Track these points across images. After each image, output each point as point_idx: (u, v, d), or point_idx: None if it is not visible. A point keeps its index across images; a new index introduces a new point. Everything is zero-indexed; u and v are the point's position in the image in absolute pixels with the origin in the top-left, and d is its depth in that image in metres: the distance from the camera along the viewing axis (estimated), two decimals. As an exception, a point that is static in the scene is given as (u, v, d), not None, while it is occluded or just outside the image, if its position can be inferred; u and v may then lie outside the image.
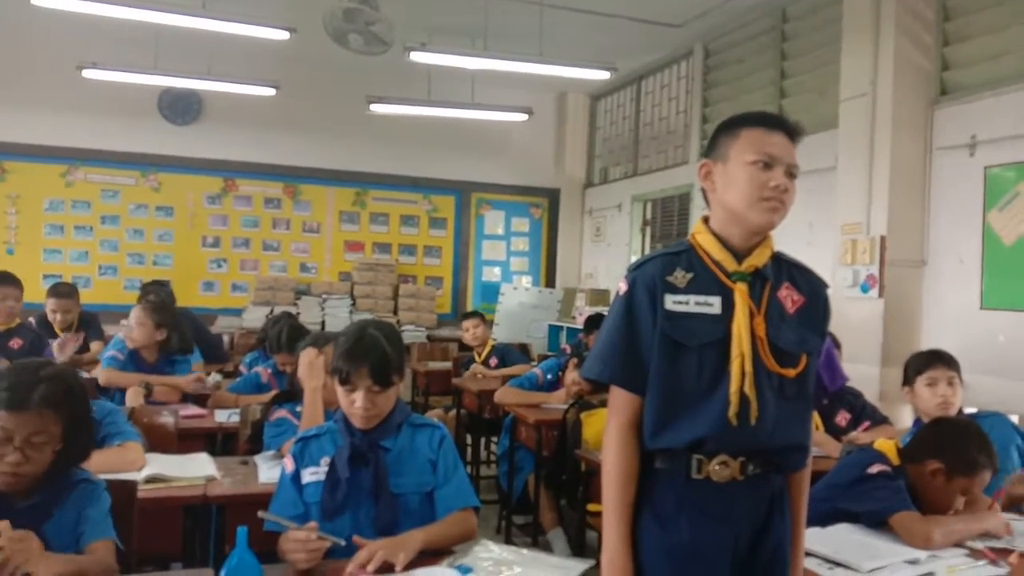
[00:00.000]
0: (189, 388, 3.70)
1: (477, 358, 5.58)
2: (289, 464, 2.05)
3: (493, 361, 5.54)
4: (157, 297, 4.74)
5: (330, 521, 1.93)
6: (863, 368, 4.48)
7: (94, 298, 7.56)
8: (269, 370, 3.88)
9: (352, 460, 1.99)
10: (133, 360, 3.73)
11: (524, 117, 7.09)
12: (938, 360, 2.93)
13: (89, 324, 5.06)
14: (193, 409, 3.53)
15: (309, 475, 2.01)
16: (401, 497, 1.99)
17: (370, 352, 2.01)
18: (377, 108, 6.99)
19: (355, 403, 2.00)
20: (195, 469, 2.49)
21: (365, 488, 1.97)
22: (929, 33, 4.61)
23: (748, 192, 1.54)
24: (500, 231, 9.02)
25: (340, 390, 2.04)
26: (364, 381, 1.99)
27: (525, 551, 1.98)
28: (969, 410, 3.37)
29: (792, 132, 1.59)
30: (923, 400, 2.89)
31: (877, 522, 2.18)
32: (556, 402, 4.08)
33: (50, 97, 7.31)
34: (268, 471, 2.49)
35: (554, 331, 7.90)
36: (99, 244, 7.68)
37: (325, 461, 2.01)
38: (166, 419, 3.15)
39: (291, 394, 2.76)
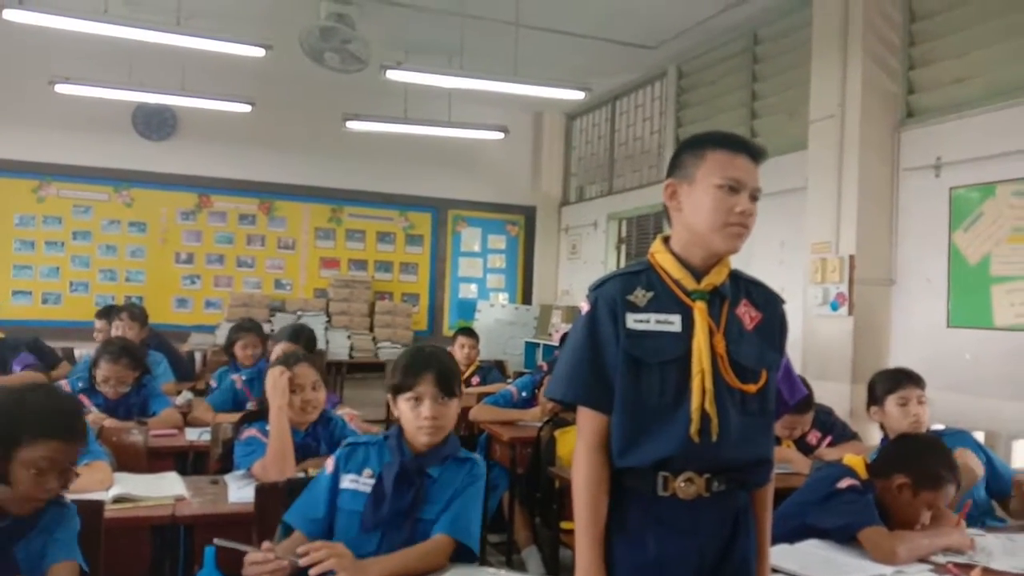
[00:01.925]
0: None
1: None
2: (330, 465, 2.04)
3: (475, 380, 5.53)
4: (124, 327, 4.65)
5: (364, 534, 1.92)
6: (833, 385, 4.54)
7: (64, 315, 7.48)
8: (242, 377, 3.86)
9: (398, 479, 1.97)
10: (88, 395, 3.47)
11: (500, 135, 7.13)
12: (907, 379, 2.93)
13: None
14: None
15: (348, 481, 2.00)
16: (425, 523, 1.97)
17: (433, 361, 2.04)
18: (353, 125, 7.00)
19: (423, 414, 1.98)
20: (164, 488, 2.46)
21: (402, 510, 1.95)
22: (895, 57, 4.71)
23: (714, 217, 1.57)
24: (477, 248, 9.05)
25: (404, 406, 2.02)
26: (430, 389, 1.99)
27: (498, 570, 1.98)
28: (936, 427, 3.42)
29: (756, 154, 1.62)
30: (894, 419, 2.88)
31: (847, 537, 2.21)
32: (530, 419, 4.08)
33: (22, 111, 7.24)
34: (238, 490, 2.47)
35: (530, 348, 7.93)
36: (70, 260, 7.58)
37: (367, 473, 2.00)
38: (136, 437, 3.11)
39: (261, 413, 2.74)
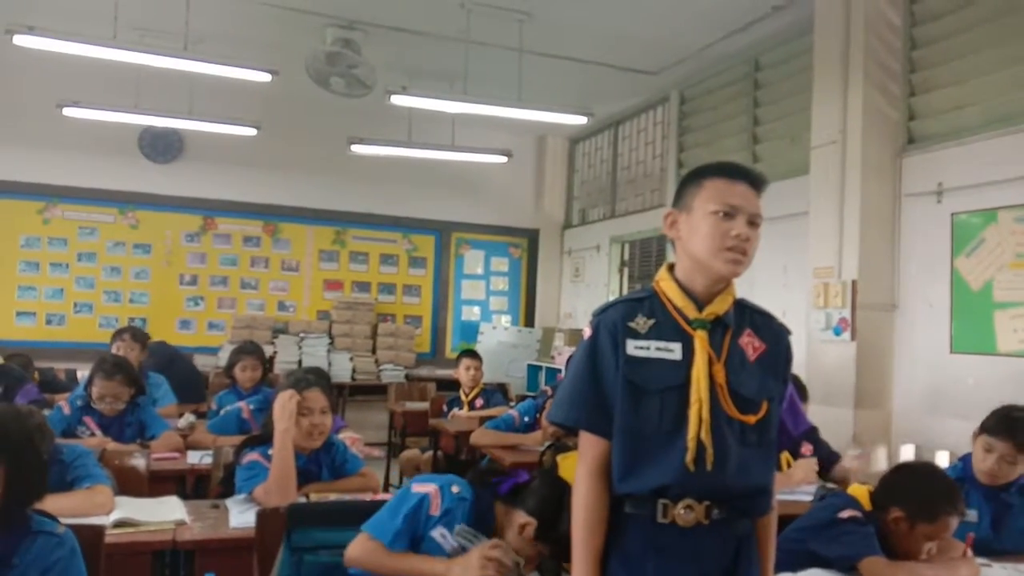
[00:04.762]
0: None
1: (464, 398, 5.56)
2: (436, 504, 2.03)
3: (479, 403, 5.52)
4: (126, 347, 4.68)
5: None
6: (836, 411, 4.53)
7: (68, 336, 7.50)
8: (251, 407, 3.85)
9: None
10: (85, 412, 3.51)
11: (504, 159, 7.17)
12: (1004, 433, 2.65)
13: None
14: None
15: (439, 535, 2.01)
16: None
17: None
18: (358, 149, 7.05)
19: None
20: (165, 513, 2.45)
21: None
22: (896, 84, 4.74)
23: (711, 241, 1.58)
24: (480, 270, 9.07)
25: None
26: None
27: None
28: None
29: (756, 182, 1.63)
30: (976, 458, 2.72)
31: (847, 567, 2.19)
32: (532, 443, 4.07)
33: (29, 134, 7.30)
34: (239, 515, 2.46)
35: (533, 371, 7.91)
36: (75, 281, 7.61)
37: (456, 531, 2.02)
38: (137, 461, 3.10)
39: (263, 437, 2.74)
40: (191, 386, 5.25)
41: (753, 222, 1.59)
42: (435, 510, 2.02)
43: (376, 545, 1.99)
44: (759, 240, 1.61)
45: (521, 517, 2.01)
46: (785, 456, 3.32)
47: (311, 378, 2.79)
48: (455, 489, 2.07)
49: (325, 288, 8.39)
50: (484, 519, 2.04)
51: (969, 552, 2.28)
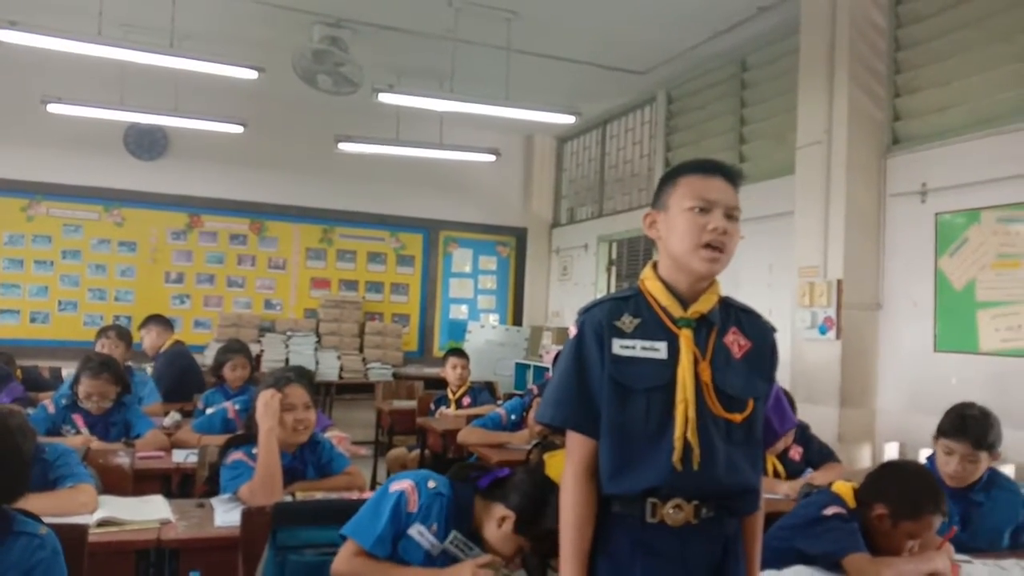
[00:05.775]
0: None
1: (451, 396, 5.56)
2: (412, 502, 2.01)
3: (466, 401, 5.52)
4: (110, 345, 4.66)
5: None
6: (822, 409, 4.55)
7: (53, 334, 7.44)
8: (236, 407, 3.83)
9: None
10: (71, 410, 3.49)
11: (492, 158, 7.17)
12: (961, 433, 2.64)
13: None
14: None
15: (416, 532, 2.00)
16: None
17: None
18: (345, 147, 7.02)
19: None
20: (149, 512, 2.44)
21: None
22: (881, 85, 4.77)
23: (688, 238, 1.57)
24: (468, 269, 9.06)
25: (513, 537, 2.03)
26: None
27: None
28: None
29: (731, 176, 1.62)
30: (939, 462, 2.70)
31: (831, 564, 2.21)
32: (519, 442, 4.08)
33: (13, 130, 7.23)
34: (224, 514, 2.46)
35: (521, 369, 7.91)
36: (59, 279, 7.55)
37: (433, 529, 2.00)
38: (122, 459, 3.09)
39: (247, 436, 2.73)
40: (193, 385, 5.19)
41: (731, 215, 1.58)
42: (412, 507, 2.01)
43: (364, 561, 1.98)
44: (738, 234, 1.60)
45: (500, 511, 2.01)
46: (772, 460, 3.33)
47: (291, 375, 2.79)
48: (431, 484, 2.05)
49: (312, 286, 8.36)
50: (463, 514, 2.03)
51: (947, 546, 2.29)
